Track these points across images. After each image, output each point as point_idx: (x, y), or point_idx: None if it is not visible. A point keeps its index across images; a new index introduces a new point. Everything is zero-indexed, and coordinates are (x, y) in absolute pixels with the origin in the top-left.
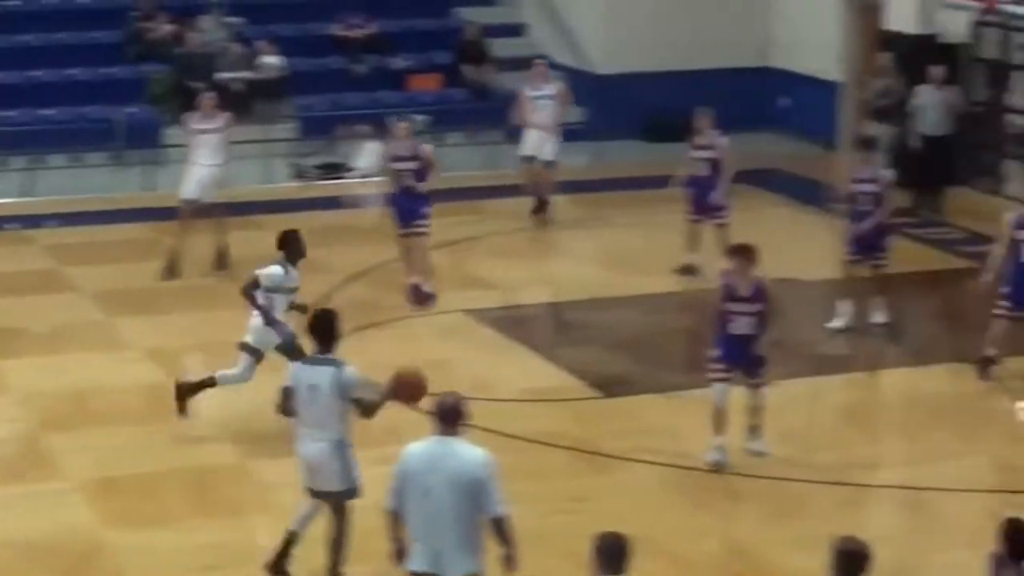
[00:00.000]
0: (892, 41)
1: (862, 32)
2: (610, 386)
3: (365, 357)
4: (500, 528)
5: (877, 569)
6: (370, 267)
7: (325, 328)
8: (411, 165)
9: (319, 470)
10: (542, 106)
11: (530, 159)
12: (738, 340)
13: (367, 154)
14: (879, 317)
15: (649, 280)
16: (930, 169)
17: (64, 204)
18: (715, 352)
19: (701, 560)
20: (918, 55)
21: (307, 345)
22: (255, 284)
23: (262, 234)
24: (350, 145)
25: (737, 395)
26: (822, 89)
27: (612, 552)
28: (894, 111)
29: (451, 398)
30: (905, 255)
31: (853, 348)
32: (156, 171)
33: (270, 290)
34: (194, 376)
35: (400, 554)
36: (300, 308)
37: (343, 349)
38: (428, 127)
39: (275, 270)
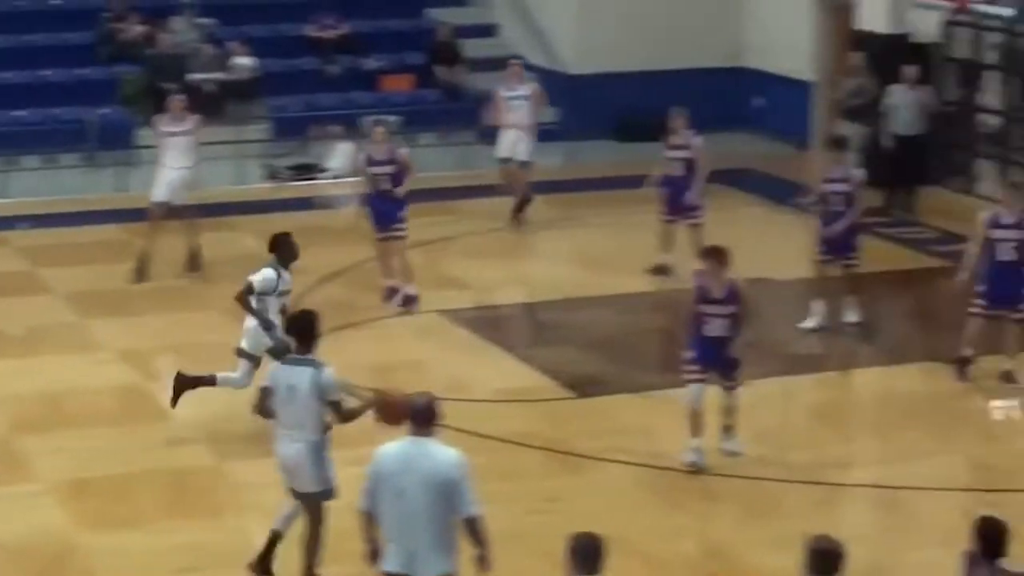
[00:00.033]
0: (864, 41)
1: (834, 32)
2: (583, 386)
3: (342, 357)
4: (474, 528)
5: (851, 568)
6: (344, 268)
7: (305, 328)
8: (388, 169)
9: (295, 471)
10: (517, 107)
11: (507, 160)
12: (712, 342)
13: (340, 155)
14: (852, 316)
15: (623, 280)
16: (902, 168)
17: (37, 206)
18: (690, 354)
19: (675, 560)
20: (890, 55)
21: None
22: (250, 290)
23: (235, 235)
24: (323, 146)
25: (711, 395)
26: (795, 89)
27: (587, 552)
28: (866, 111)
29: (424, 398)
30: (878, 254)
31: (826, 347)
32: (128, 172)
33: (262, 293)
34: (195, 372)
35: (374, 555)
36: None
37: (319, 349)
38: (400, 128)
39: (268, 274)
